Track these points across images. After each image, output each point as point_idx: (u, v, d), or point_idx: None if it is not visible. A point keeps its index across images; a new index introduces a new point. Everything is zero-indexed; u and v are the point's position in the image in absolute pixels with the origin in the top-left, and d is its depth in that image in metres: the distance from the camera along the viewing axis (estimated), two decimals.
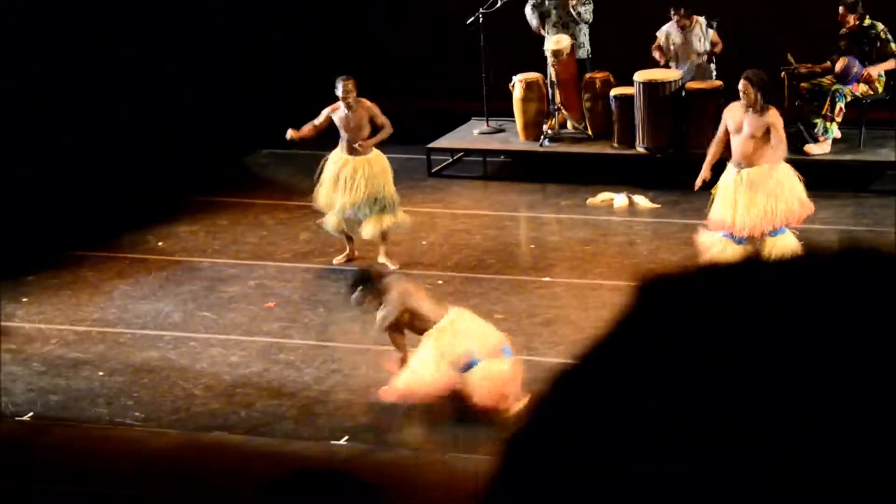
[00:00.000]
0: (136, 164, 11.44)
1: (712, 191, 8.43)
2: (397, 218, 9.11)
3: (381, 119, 9.02)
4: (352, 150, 9.08)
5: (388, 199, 9.07)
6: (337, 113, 9.06)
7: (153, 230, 10.25)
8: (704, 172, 8.52)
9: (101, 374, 7.95)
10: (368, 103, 9.06)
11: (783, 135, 8.28)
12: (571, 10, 10.89)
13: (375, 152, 9.15)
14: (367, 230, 9.02)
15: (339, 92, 8.99)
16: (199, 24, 12.28)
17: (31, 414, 7.39)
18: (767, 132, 8.22)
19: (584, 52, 11.07)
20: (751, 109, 8.22)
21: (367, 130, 9.07)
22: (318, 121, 9.11)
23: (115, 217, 10.44)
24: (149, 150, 11.59)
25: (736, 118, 8.28)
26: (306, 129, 9.16)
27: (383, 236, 9.09)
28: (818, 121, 10.14)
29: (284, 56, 12.70)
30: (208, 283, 9.23)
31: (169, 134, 11.78)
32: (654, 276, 0.83)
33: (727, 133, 8.39)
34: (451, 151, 11.44)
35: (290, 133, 9.21)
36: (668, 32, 10.60)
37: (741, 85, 8.26)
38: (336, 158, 9.13)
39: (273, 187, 11.21)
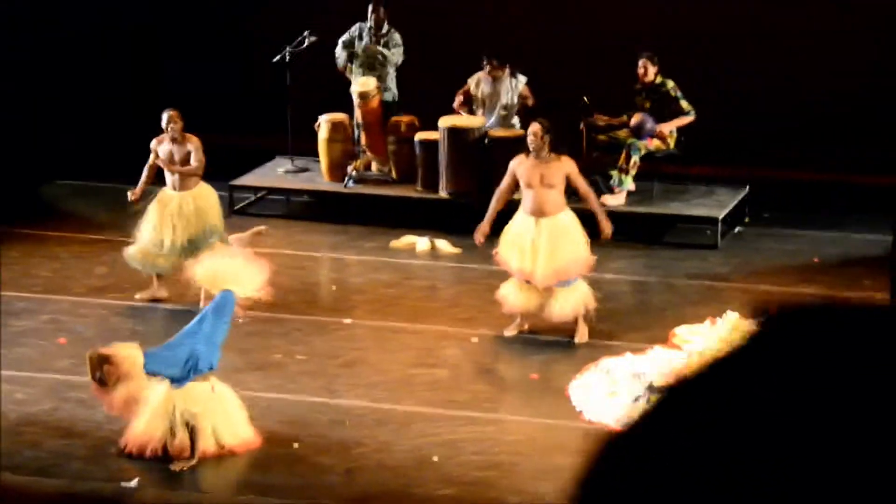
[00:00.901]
0: None
1: (502, 237, 8.55)
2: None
3: (199, 156, 8.91)
4: (180, 185, 8.93)
5: (217, 233, 8.94)
6: (162, 146, 8.91)
7: None
8: (486, 227, 8.61)
9: None
10: (195, 139, 8.93)
11: (583, 180, 8.52)
12: (378, 52, 10.97)
13: (202, 186, 9.01)
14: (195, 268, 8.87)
15: (164, 123, 8.86)
16: None
17: None
18: (564, 181, 8.42)
19: (390, 95, 11.15)
20: (539, 158, 8.38)
21: (185, 164, 8.94)
22: (151, 160, 8.93)
23: None
24: None
25: (527, 171, 8.42)
26: (143, 179, 8.94)
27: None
28: (614, 173, 10.47)
29: (83, 84, 12.38)
30: None
31: None
32: (787, 309, 0.78)
33: (511, 186, 8.53)
34: (255, 189, 11.35)
35: (131, 195, 8.95)
36: (479, 80, 10.79)
37: (531, 129, 8.44)
38: (162, 195, 8.96)
39: (69, 219, 10.89)
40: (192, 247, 8.83)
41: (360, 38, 11.01)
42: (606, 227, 8.58)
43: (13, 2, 12.01)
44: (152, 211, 8.97)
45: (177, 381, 6.91)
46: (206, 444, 6.95)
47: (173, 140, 8.89)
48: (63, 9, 12.31)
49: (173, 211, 8.91)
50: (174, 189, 8.97)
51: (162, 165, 8.92)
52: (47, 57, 12.26)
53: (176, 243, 8.86)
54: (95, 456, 7.07)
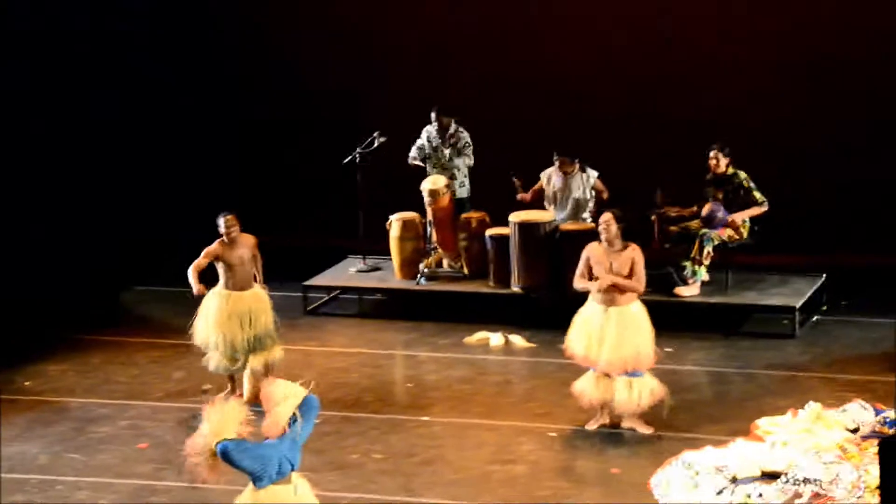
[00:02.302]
0: (1, 300, 11.17)
1: (570, 327, 8.53)
2: (277, 353, 9.11)
3: (256, 253, 9.10)
4: (237, 286, 9.04)
5: (270, 334, 9.06)
6: (222, 249, 9.04)
7: (20, 369, 9.97)
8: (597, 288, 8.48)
9: None
10: (251, 239, 9.10)
11: (643, 271, 8.48)
12: (448, 154, 11.11)
13: (257, 288, 9.13)
14: (254, 365, 8.95)
15: (221, 228, 9.00)
16: (72, 157, 12.19)
17: None
18: (631, 269, 8.42)
19: (465, 191, 11.27)
20: (612, 247, 8.41)
21: (250, 265, 9.08)
22: (200, 261, 9.04)
23: None
24: (14, 287, 11.33)
25: (599, 258, 8.47)
26: (195, 278, 9.03)
27: (266, 371, 9.00)
28: (687, 263, 10.42)
29: (156, 192, 12.61)
30: (77, 424, 8.98)
31: (34, 269, 11.56)
32: None
33: (587, 270, 8.55)
34: (328, 289, 11.44)
35: (196, 289, 9.06)
36: (550, 175, 10.86)
37: (603, 218, 8.49)
38: (222, 294, 9.07)
39: (145, 325, 11.03)
40: (254, 345, 8.96)
41: (430, 141, 11.16)
42: (607, 282, 8.34)
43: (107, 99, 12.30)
44: (214, 313, 9.05)
45: (258, 479, 6.91)
46: None
47: (232, 242, 9.02)
48: (140, 107, 12.60)
49: (245, 309, 9.02)
50: (232, 289, 9.06)
51: (230, 269, 9.02)
52: (124, 166, 12.52)
53: (237, 343, 8.97)
54: None
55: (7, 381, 9.77)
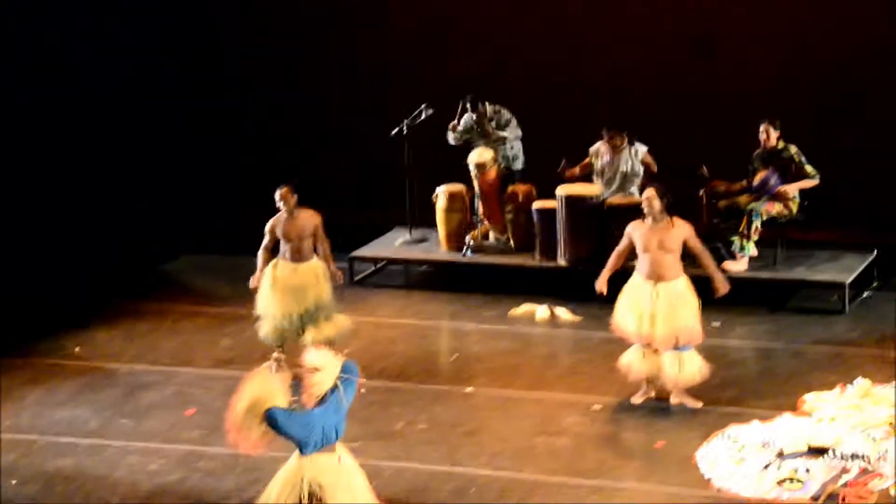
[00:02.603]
0: (52, 266, 11.30)
1: (617, 304, 8.52)
2: (339, 324, 9.09)
3: (320, 234, 9.04)
4: (295, 258, 9.08)
5: (324, 310, 9.07)
6: (279, 221, 9.08)
7: (69, 335, 10.09)
8: (604, 278, 8.62)
9: (13, 482, 7.74)
10: (312, 213, 9.07)
11: (700, 244, 8.47)
12: (491, 133, 11.09)
13: (314, 262, 9.14)
14: (309, 338, 8.99)
15: (278, 200, 9.04)
16: (118, 127, 12.27)
17: None
18: (681, 245, 8.39)
19: (519, 164, 11.24)
20: (656, 223, 8.38)
21: (309, 241, 9.07)
22: (266, 240, 9.10)
23: (30, 321, 10.27)
24: (66, 253, 11.46)
25: (644, 235, 8.44)
26: (261, 265, 9.09)
27: (328, 343, 9.01)
28: (735, 238, 10.35)
29: (206, 162, 12.69)
30: (126, 390, 9.08)
31: (85, 237, 11.68)
32: None
33: (628, 248, 8.53)
34: (374, 260, 11.46)
35: (253, 281, 9.11)
36: (599, 150, 10.81)
37: (646, 194, 8.46)
38: (278, 265, 9.11)
39: (193, 293, 11.12)
40: (307, 319, 8.99)
41: (472, 127, 11.13)
42: (721, 287, 8.52)
43: (145, 68, 12.36)
44: (272, 284, 9.11)
45: (304, 447, 6.96)
46: None
47: (289, 214, 9.05)
48: (190, 80, 12.67)
49: (298, 281, 9.05)
50: (289, 261, 9.10)
51: (288, 242, 9.06)
52: (170, 135, 12.60)
53: (292, 314, 9.00)
54: None
55: (57, 347, 9.89)
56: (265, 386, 6.96)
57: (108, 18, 12.11)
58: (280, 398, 6.92)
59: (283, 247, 9.12)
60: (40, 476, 7.81)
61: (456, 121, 11.10)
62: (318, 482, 6.96)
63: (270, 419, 6.89)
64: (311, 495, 6.99)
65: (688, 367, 8.40)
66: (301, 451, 7.02)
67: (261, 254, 9.14)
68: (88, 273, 11.30)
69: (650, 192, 8.45)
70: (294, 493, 6.96)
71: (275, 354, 8.99)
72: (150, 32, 12.32)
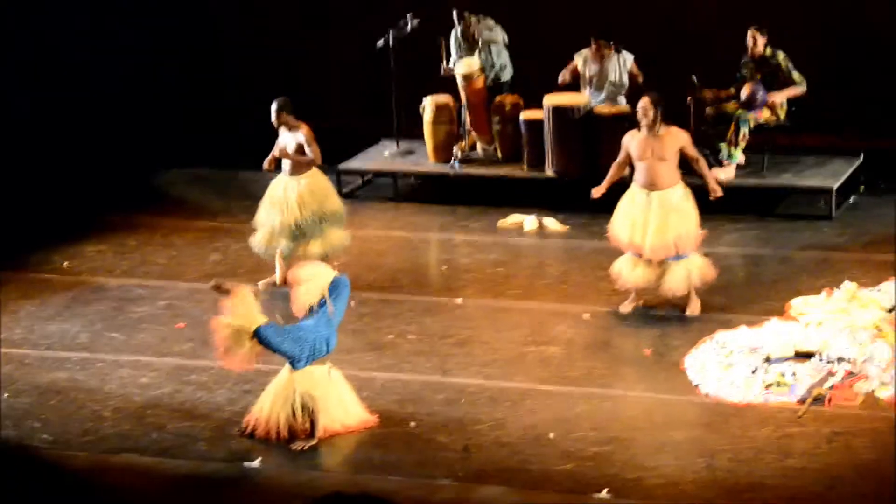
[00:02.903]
0: (40, 180, 11.26)
1: (615, 213, 8.53)
2: (321, 246, 9.05)
3: (314, 148, 8.94)
4: (288, 172, 9.04)
5: (318, 223, 9.01)
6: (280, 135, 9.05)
7: (59, 249, 10.08)
8: (604, 187, 8.63)
9: (6, 395, 7.79)
10: (304, 127, 8.98)
11: (696, 151, 8.47)
12: (474, 36, 10.99)
13: (314, 176, 9.07)
14: (314, 249, 8.97)
15: (273, 114, 8.96)
16: (109, 37, 12.15)
17: None
18: (677, 153, 8.36)
19: (507, 74, 11.16)
20: (651, 132, 8.34)
21: (298, 152, 8.98)
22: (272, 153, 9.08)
23: (20, 235, 10.26)
24: (54, 167, 11.41)
25: (639, 145, 8.40)
26: (269, 165, 9.10)
27: (324, 257, 8.98)
28: (723, 146, 10.33)
29: (192, 75, 12.58)
30: (116, 304, 9.10)
31: (74, 151, 11.62)
32: None
33: (627, 159, 8.51)
34: (362, 173, 11.44)
35: (266, 163, 9.10)
36: (586, 58, 10.72)
37: (641, 103, 8.39)
38: (277, 178, 9.08)
39: (182, 207, 11.10)
40: (305, 231, 8.96)
41: (459, 42, 11.02)
42: (717, 189, 8.50)
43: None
44: (267, 196, 9.10)
45: (296, 362, 7.01)
46: (326, 425, 7.04)
47: (285, 127, 8.99)
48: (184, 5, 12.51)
49: (285, 195, 9.02)
50: (286, 174, 9.08)
51: (280, 154, 9.02)
52: (160, 48, 12.48)
53: (289, 226, 8.97)
54: (218, 437, 7.21)
55: (45, 260, 9.89)
56: (249, 305, 6.98)
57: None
58: (258, 314, 6.97)
59: (283, 161, 9.06)
60: (34, 389, 7.85)
61: (444, 62, 10.94)
62: (310, 394, 7.03)
63: (262, 337, 6.92)
64: (303, 407, 7.06)
65: (689, 272, 8.37)
66: (293, 366, 7.07)
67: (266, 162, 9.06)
68: (76, 187, 11.26)
69: (645, 100, 8.37)
70: (287, 405, 7.03)
71: (262, 282, 8.98)
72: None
